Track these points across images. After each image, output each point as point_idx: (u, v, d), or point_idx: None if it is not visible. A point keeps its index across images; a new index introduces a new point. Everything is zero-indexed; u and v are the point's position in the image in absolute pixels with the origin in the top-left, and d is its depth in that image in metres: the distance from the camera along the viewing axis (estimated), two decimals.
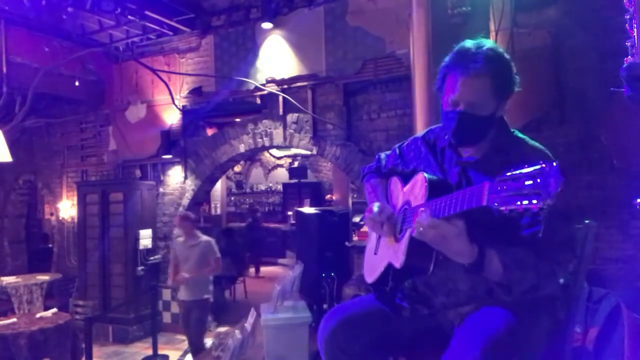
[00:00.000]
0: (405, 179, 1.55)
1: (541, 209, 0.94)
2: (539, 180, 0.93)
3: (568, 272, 1.29)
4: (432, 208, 1.22)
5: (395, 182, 1.63)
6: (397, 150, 1.71)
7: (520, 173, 0.96)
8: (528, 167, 0.96)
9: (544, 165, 0.94)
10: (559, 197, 1.16)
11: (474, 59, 1.31)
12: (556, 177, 0.92)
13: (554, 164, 0.93)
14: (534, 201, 0.93)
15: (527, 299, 1.30)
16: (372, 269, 1.59)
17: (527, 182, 0.95)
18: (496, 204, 1.00)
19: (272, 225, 11.25)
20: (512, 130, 1.44)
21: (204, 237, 4.57)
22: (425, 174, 1.38)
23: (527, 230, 1.26)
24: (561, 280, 1.46)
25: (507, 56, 1.36)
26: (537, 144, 1.38)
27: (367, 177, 1.79)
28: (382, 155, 1.80)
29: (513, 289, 1.25)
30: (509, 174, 0.98)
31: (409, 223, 1.37)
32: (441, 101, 1.44)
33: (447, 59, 1.39)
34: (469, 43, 1.36)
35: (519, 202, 0.95)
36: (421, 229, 1.20)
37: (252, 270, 9.73)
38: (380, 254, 1.57)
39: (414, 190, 1.43)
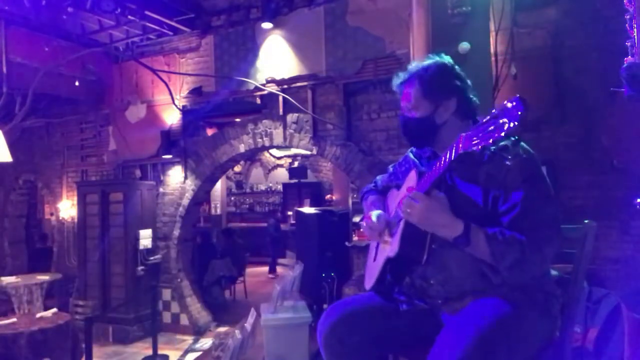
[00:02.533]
0: (399, 187, 1.64)
1: (508, 136, 1.12)
2: (503, 113, 1.09)
3: (555, 249, 1.31)
4: (418, 186, 1.37)
5: (391, 192, 1.72)
6: (391, 169, 1.83)
7: (488, 117, 1.13)
8: (495, 110, 1.13)
9: (506, 102, 1.10)
10: (541, 178, 1.34)
11: (405, 73, 1.53)
12: (517, 105, 1.08)
13: (516, 96, 1.10)
14: (503, 129, 1.09)
15: (518, 284, 1.34)
16: (371, 274, 1.65)
17: (494, 120, 1.11)
18: (470, 148, 1.16)
19: None
20: None
21: None
22: (416, 170, 1.50)
23: (507, 216, 1.32)
24: (553, 273, 1.47)
25: (442, 63, 1.51)
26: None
27: (365, 195, 1.87)
28: (379, 177, 1.91)
29: (500, 266, 1.30)
30: (480, 122, 1.16)
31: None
32: None
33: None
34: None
35: (489, 135, 1.12)
36: (408, 210, 1.32)
37: (260, 269, 9.69)
38: (378, 259, 1.61)
39: (407, 187, 1.50)
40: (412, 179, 1.48)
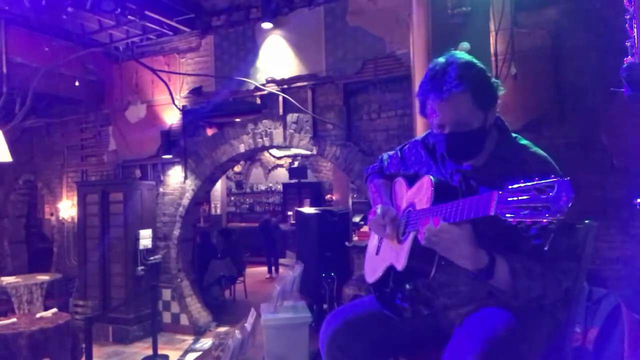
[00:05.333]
0: (409, 180, 1.55)
1: (550, 223, 0.92)
2: (550, 194, 0.91)
3: (572, 280, 1.29)
4: (440, 213, 1.22)
5: (400, 182, 1.62)
6: (399, 153, 1.71)
7: (531, 185, 0.94)
8: (539, 179, 0.94)
9: (555, 179, 0.92)
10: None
11: (447, 79, 1.28)
12: (568, 192, 0.90)
13: (566, 178, 0.92)
14: (546, 215, 0.91)
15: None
16: (373, 269, 1.60)
17: (537, 195, 0.93)
18: (505, 215, 0.98)
19: None
20: (515, 135, 1.42)
21: None
22: (432, 177, 1.37)
23: (532, 242, 1.24)
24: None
25: (479, 65, 1.33)
26: (539, 151, 1.36)
27: (371, 177, 1.80)
28: (385, 155, 1.79)
29: (519, 297, 1.25)
30: (517, 185, 0.97)
31: (413, 226, 1.37)
32: (429, 123, 1.42)
33: (421, 84, 1.36)
34: (439, 61, 1.33)
35: (527, 213, 0.93)
36: (433, 238, 1.19)
37: (260, 269, 9.58)
38: (381, 255, 1.57)
39: (419, 193, 1.42)
40: (426, 187, 1.37)
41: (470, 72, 1.29)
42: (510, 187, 0.98)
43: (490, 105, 1.34)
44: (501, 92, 1.36)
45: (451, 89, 1.26)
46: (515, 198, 0.96)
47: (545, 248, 1.20)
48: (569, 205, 0.89)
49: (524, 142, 1.40)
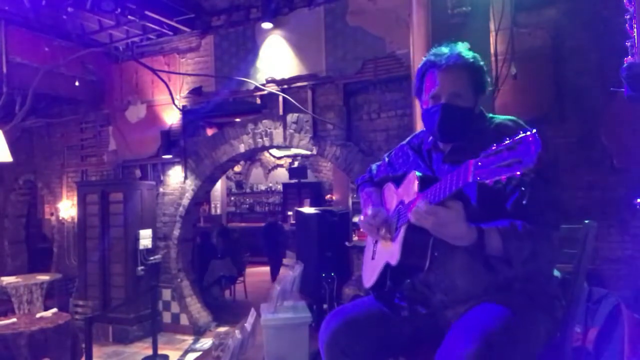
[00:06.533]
0: (398, 182, 1.58)
1: (524, 175, 0.99)
2: (519, 148, 0.98)
3: (559, 233, 1.31)
4: (426, 197, 1.26)
5: (388, 187, 1.66)
6: (387, 159, 1.78)
7: (502, 146, 1.02)
8: (509, 139, 1.02)
9: (522, 134, 0.99)
10: (540, 161, 1.20)
11: (451, 54, 1.42)
12: (535, 142, 0.97)
13: (533, 131, 0.99)
14: (520, 167, 0.98)
15: (523, 289, 1.33)
16: (370, 273, 1.62)
17: (509, 153, 1.00)
18: (479, 178, 1.05)
19: None
20: (491, 116, 1.50)
21: None
22: (417, 172, 1.41)
23: (511, 198, 1.30)
24: (556, 274, 1.46)
25: (478, 57, 1.46)
26: (508, 117, 1.46)
27: (362, 187, 1.84)
28: (374, 166, 1.87)
29: (513, 261, 1.27)
30: (489, 150, 1.04)
31: (403, 220, 1.39)
32: (421, 104, 1.51)
33: (423, 60, 1.49)
34: (443, 47, 1.47)
35: (502, 171, 1.01)
36: (418, 216, 1.23)
37: (260, 269, 9.29)
38: (377, 258, 1.59)
39: (407, 189, 1.46)
40: (412, 181, 1.41)
41: (470, 56, 1.43)
42: (483, 153, 1.05)
43: (480, 92, 1.45)
44: (489, 88, 1.48)
45: (453, 61, 1.40)
46: (489, 161, 1.04)
47: (524, 202, 1.26)
48: (538, 153, 0.96)
49: (493, 115, 1.50)
